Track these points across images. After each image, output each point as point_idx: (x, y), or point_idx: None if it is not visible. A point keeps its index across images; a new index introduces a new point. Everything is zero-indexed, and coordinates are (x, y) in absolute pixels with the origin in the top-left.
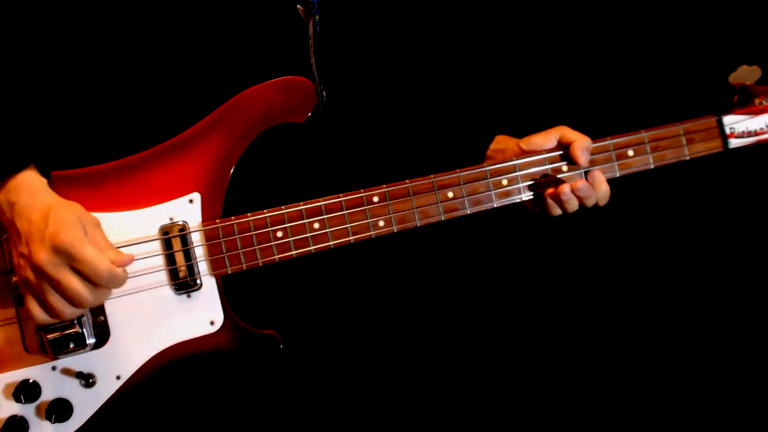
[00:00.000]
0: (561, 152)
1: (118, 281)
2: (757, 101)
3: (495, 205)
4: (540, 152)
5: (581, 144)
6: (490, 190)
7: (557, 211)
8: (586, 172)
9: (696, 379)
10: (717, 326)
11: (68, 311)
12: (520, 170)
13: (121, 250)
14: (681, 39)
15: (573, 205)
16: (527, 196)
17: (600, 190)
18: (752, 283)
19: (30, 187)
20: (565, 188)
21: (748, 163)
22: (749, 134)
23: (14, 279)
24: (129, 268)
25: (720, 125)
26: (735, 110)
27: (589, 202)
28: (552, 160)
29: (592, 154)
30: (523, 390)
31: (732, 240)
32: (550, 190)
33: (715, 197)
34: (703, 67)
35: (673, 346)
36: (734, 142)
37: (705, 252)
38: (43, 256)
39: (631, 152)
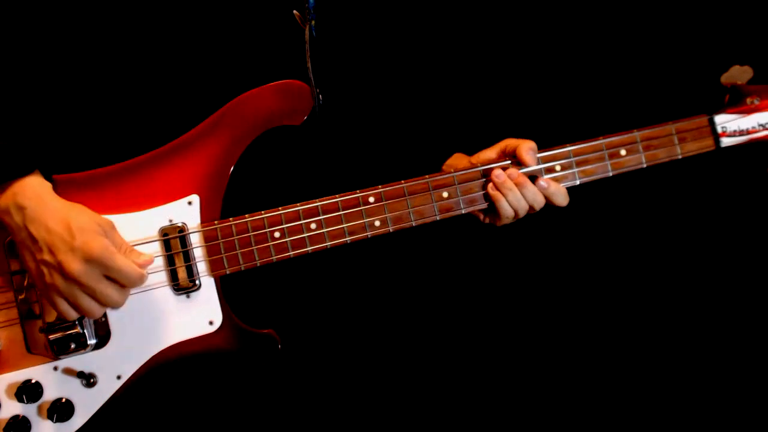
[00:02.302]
0: (513, 160)
1: (144, 282)
2: (748, 100)
3: (486, 205)
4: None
5: (525, 146)
6: (484, 190)
7: (504, 207)
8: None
9: (695, 379)
10: (713, 324)
11: (99, 311)
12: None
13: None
14: (673, 39)
15: (514, 195)
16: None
17: (550, 192)
18: (747, 281)
19: (36, 191)
20: (497, 171)
21: (740, 162)
22: (741, 133)
23: (18, 283)
24: None
25: (712, 124)
26: (727, 109)
27: (529, 196)
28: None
29: (585, 153)
30: (523, 389)
31: (725, 238)
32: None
33: (708, 195)
34: (695, 67)
35: (671, 345)
36: (726, 141)
37: (698, 250)
38: (77, 267)
39: (623, 152)
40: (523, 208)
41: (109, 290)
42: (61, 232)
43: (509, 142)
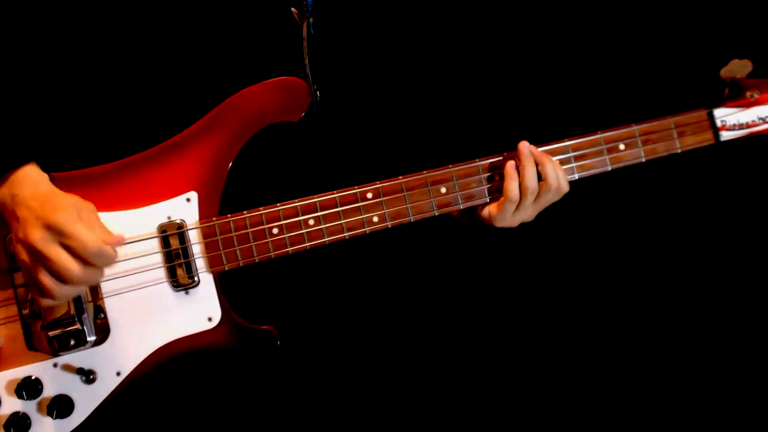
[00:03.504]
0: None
1: (107, 258)
2: (748, 94)
3: (488, 200)
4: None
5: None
6: (482, 186)
7: (513, 189)
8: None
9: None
10: (713, 320)
11: (59, 289)
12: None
13: (120, 248)
14: (672, 34)
15: (531, 172)
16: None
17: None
18: (747, 275)
19: (32, 180)
20: (524, 142)
21: (739, 156)
22: (740, 126)
23: (18, 280)
24: (128, 266)
25: (711, 118)
26: (726, 103)
27: (549, 171)
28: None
29: (584, 148)
30: (522, 387)
31: (724, 232)
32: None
33: (707, 189)
34: (694, 61)
35: (670, 341)
36: (725, 135)
37: (698, 245)
38: (35, 233)
39: (622, 146)
40: (531, 190)
41: (64, 258)
42: (35, 207)
43: None
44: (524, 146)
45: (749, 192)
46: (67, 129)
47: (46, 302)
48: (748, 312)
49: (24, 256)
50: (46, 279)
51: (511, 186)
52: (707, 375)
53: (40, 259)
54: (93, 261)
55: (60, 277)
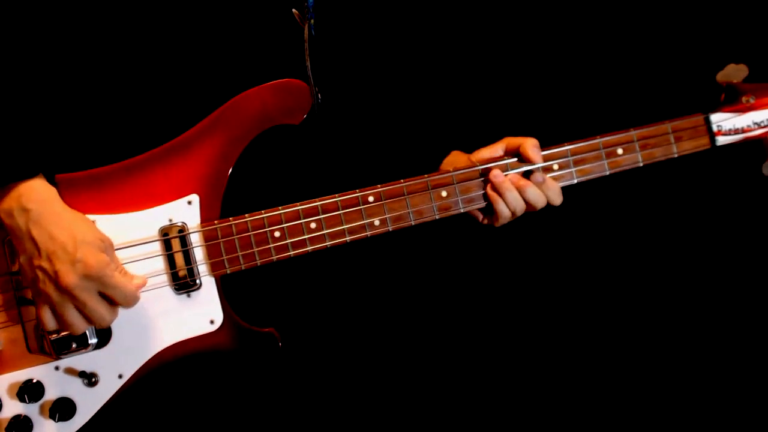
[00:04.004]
0: (515, 159)
1: (136, 303)
2: (744, 99)
3: (485, 204)
4: (498, 158)
5: (529, 144)
6: (483, 190)
7: (501, 208)
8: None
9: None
10: (709, 322)
11: (83, 327)
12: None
13: (122, 251)
14: (669, 38)
15: (512, 196)
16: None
17: (548, 188)
18: (743, 279)
19: (42, 195)
20: (495, 171)
21: (735, 160)
22: (736, 132)
23: (17, 277)
24: (130, 269)
25: (707, 123)
26: (722, 108)
27: (530, 196)
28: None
29: (583, 152)
30: (522, 388)
31: (721, 236)
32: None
33: (703, 194)
34: (690, 65)
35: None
36: (721, 140)
37: (694, 249)
38: (74, 280)
39: (620, 150)
40: (520, 208)
41: (100, 307)
42: (64, 242)
43: (510, 140)
44: (494, 176)
45: (744, 197)
46: (68, 130)
47: (53, 327)
48: (745, 315)
49: (49, 290)
50: (75, 318)
51: (500, 208)
52: (707, 376)
53: (75, 302)
54: (126, 306)
55: (90, 320)
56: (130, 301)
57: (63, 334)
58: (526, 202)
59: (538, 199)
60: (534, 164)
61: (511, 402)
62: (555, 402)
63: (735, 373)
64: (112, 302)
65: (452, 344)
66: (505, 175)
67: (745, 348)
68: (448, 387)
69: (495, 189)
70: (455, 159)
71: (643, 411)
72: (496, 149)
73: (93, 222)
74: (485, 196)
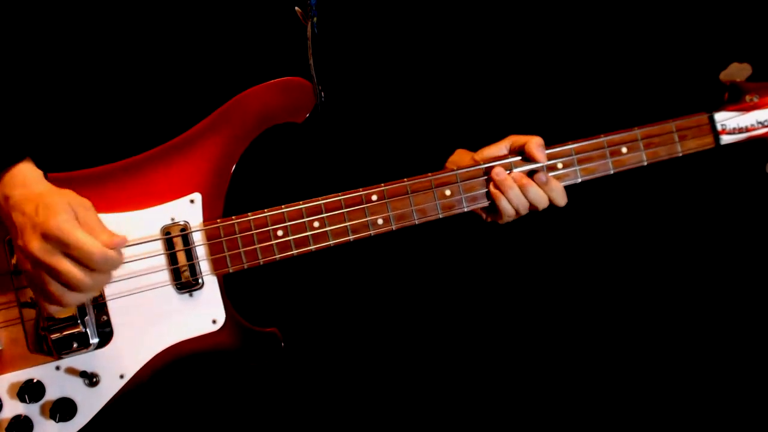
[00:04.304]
0: (519, 158)
1: (113, 263)
2: (747, 98)
3: (487, 203)
4: (503, 157)
5: (534, 142)
6: (487, 188)
7: (505, 205)
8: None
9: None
10: (713, 322)
11: (69, 297)
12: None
13: (124, 250)
14: (673, 37)
15: (515, 193)
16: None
17: (551, 188)
18: (746, 278)
19: (24, 179)
20: (497, 169)
21: (739, 159)
22: (740, 131)
23: (19, 283)
24: (132, 268)
25: (712, 122)
26: (726, 107)
27: (532, 195)
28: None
29: (587, 151)
30: (524, 388)
31: (724, 235)
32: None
33: (707, 193)
34: (694, 64)
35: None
36: (726, 139)
37: (698, 247)
38: (35, 244)
39: (624, 149)
40: (524, 206)
41: (70, 268)
42: (30, 213)
43: (515, 139)
44: (496, 174)
45: (748, 196)
46: (69, 129)
47: (53, 309)
48: (748, 314)
49: (27, 265)
50: (54, 287)
51: (502, 205)
52: (708, 376)
53: (45, 268)
54: (98, 268)
55: (68, 285)
56: (97, 258)
57: (62, 333)
58: (529, 202)
59: (540, 198)
60: (538, 163)
61: (513, 402)
62: (557, 402)
63: (738, 373)
64: (82, 264)
65: (455, 344)
66: (509, 173)
67: (749, 349)
68: (451, 387)
69: (497, 187)
70: (459, 158)
71: (645, 411)
72: (501, 147)
73: (73, 192)
74: (488, 195)
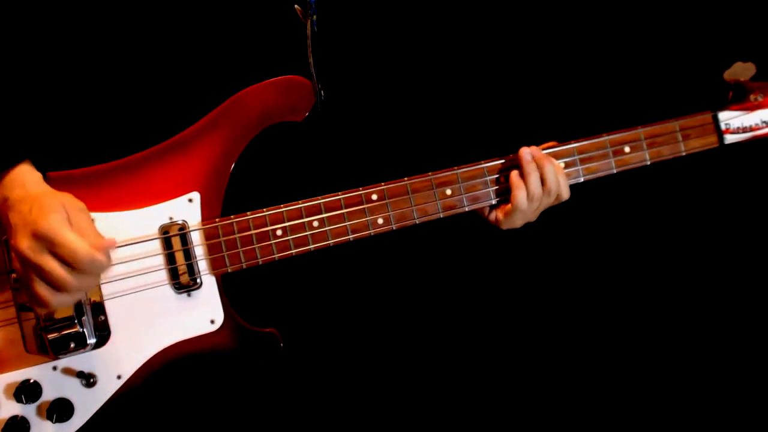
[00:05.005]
0: None
1: (99, 266)
2: (752, 97)
3: (493, 202)
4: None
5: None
6: (488, 188)
7: (521, 195)
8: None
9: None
10: (717, 322)
11: (54, 298)
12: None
13: (121, 249)
14: (676, 36)
15: (534, 178)
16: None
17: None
18: (750, 278)
19: (23, 181)
20: (525, 149)
21: (743, 159)
22: (744, 130)
23: (14, 276)
24: (129, 267)
25: (715, 121)
26: (730, 106)
27: (550, 175)
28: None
29: (589, 151)
30: (524, 388)
31: (728, 235)
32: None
33: (711, 193)
34: (698, 64)
35: (675, 345)
36: (730, 138)
37: (702, 247)
38: (24, 243)
39: (627, 149)
40: (537, 195)
41: (55, 268)
42: (24, 213)
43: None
44: (525, 152)
45: (752, 195)
46: (67, 127)
47: (42, 310)
48: (753, 314)
49: (17, 265)
50: (40, 288)
51: (519, 195)
52: (709, 376)
53: (32, 268)
54: (85, 269)
55: (54, 286)
56: (83, 259)
57: (60, 333)
58: (543, 181)
59: (552, 179)
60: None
61: (513, 403)
62: (558, 402)
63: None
64: (67, 264)
65: (455, 345)
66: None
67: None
68: (450, 388)
69: (523, 167)
70: None
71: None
72: None
73: (70, 195)
74: (490, 194)
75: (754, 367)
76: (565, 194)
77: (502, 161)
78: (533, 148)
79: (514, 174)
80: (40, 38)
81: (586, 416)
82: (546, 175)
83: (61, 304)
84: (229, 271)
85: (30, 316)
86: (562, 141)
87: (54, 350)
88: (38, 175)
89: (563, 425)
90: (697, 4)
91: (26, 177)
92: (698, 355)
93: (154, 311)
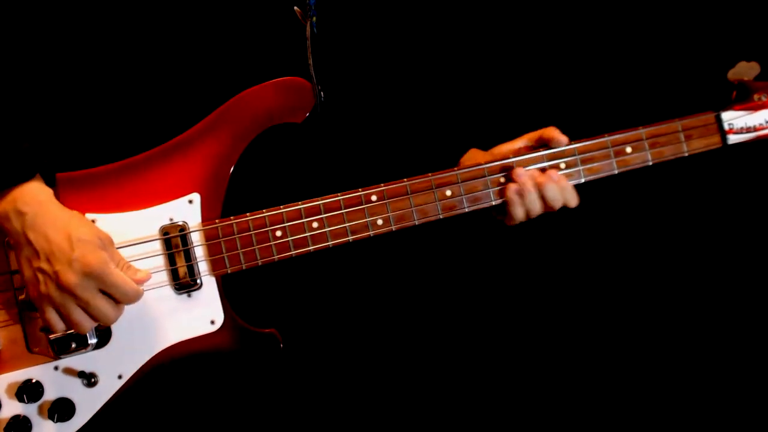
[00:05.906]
0: (525, 156)
1: (140, 298)
2: (755, 97)
3: (493, 203)
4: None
5: (552, 129)
6: (488, 188)
7: (517, 210)
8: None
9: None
10: (720, 323)
11: (89, 325)
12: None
13: (122, 250)
14: (679, 36)
15: (532, 197)
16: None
17: (561, 186)
18: (753, 279)
19: (37, 197)
20: (518, 170)
21: (747, 159)
22: (748, 130)
23: (18, 283)
24: None
25: (719, 121)
26: (734, 106)
27: (550, 193)
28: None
29: (590, 151)
30: (524, 388)
31: (731, 235)
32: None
33: (714, 193)
34: (701, 63)
35: (677, 346)
36: (733, 138)
37: (704, 248)
38: (74, 279)
39: (629, 149)
40: (536, 211)
41: (103, 305)
42: (60, 242)
43: (530, 135)
44: (518, 175)
45: (755, 196)
46: (68, 129)
47: (61, 329)
48: (755, 315)
49: (51, 291)
50: (79, 316)
51: (516, 211)
52: (709, 376)
53: (78, 301)
54: (128, 303)
55: (95, 318)
56: (132, 297)
57: (64, 333)
58: (545, 201)
59: (556, 196)
60: (560, 146)
61: (513, 403)
62: (559, 402)
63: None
64: (115, 299)
65: (455, 345)
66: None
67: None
68: (450, 388)
69: (517, 192)
70: (472, 156)
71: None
72: (517, 143)
73: (91, 221)
74: (491, 195)
75: (755, 367)
76: (573, 202)
77: (503, 162)
78: (533, 170)
79: (511, 190)
80: (41, 40)
81: (587, 416)
82: (546, 194)
83: (91, 328)
84: (229, 271)
85: (33, 316)
86: None
87: (55, 350)
88: (50, 192)
89: (563, 425)
90: (700, 4)
91: (39, 194)
92: (700, 355)
93: (154, 312)
